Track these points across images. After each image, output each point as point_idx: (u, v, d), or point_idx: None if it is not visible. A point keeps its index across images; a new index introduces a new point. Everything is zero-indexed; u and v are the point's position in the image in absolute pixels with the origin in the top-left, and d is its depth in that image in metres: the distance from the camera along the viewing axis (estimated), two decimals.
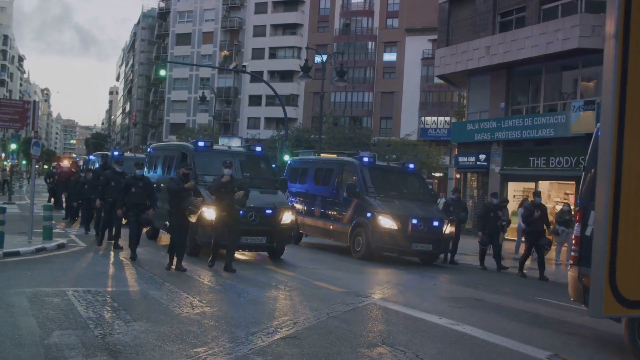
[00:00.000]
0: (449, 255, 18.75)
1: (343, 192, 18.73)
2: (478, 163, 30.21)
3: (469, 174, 32.40)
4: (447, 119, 61.85)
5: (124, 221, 15.71)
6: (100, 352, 6.70)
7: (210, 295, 10.73)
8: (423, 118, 66.33)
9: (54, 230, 17.36)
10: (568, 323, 10.66)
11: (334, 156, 24.87)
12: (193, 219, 13.53)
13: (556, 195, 28.72)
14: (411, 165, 20.25)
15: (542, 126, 26.30)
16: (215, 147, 17.97)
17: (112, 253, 15.46)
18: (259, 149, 18.02)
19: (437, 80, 45.02)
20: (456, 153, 34.20)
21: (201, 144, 17.22)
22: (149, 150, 22.03)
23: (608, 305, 1.94)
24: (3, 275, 11.46)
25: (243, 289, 11.56)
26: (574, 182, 25.77)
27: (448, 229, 17.86)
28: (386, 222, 17.25)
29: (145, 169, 18.09)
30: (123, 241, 15.82)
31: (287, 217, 15.92)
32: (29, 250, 14.50)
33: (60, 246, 15.77)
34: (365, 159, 19.40)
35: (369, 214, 17.60)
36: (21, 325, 7.67)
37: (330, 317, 9.41)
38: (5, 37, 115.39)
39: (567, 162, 25.52)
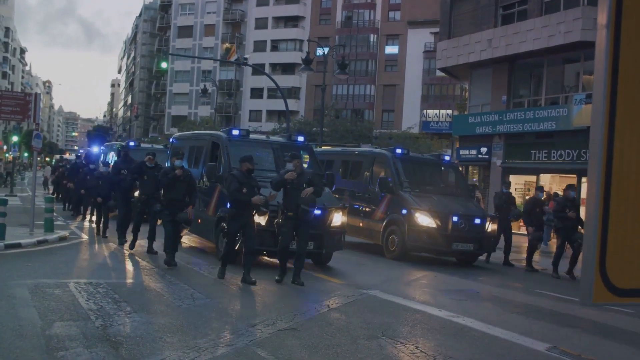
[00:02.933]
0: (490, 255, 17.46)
1: (375, 187, 17.40)
2: (479, 156, 30.21)
3: (470, 167, 32.40)
4: (449, 112, 61.84)
5: (156, 221, 14.17)
6: (101, 343, 6.73)
7: (211, 288, 10.74)
8: (425, 111, 66.32)
9: (55, 223, 17.40)
10: (568, 316, 10.67)
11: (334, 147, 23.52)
12: (263, 220, 12.01)
13: (558, 189, 28.70)
14: (447, 157, 18.96)
15: (544, 119, 26.29)
16: (251, 136, 15.78)
17: (113, 245, 15.47)
18: (301, 138, 15.88)
19: (439, 73, 45.00)
20: (458, 146, 34.22)
21: (235, 132, 15.03)
22: (171, 140, 19.49)
23: (598, 293, 1.96)
24: (4, 266, 11.49)
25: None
26: (575, 175, 25.79)
27: (490, 226, 16.64)
28: (424, 219, 15.95)
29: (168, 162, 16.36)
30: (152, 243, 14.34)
31: (337, 219, 13.86)
32: (30, 242, 14.53)
33: (62, 238, 15.81)
34: (398, 150, 17.79)
35: (404, 211, 16.25)
36: (22, 317, 7.70)
37: (330, 309, 9.44)
38: (7, 29, 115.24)
39: (569, 155, 25.52)
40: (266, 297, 10.23)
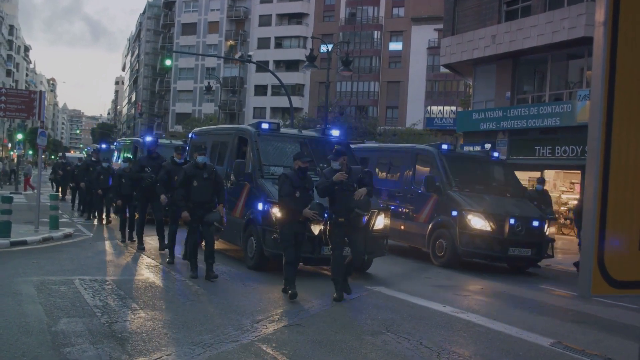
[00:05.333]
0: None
1: (418, 186, 16.11)
2: None
3: None
4: (453, 108, 61.75)
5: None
6: (107, 340, 6.77)
7: (215, 285, 10.77)
8: (429, 107, 66.24)
9: (60, 220, 17.45)
10: (572, 311, 10.69)
11: None
12: (316, 230, 10.15)
13: (561, 185, 28.74)
14: (496, 154, 17.52)
15: (548, 115, 26.25)
16: (282, 130, 14.36)
17: (118, 242, 15.50)
18: (336, 133, 14.47)
19: (442, 70, 45.02)
20: (462, 142, 34.18)
21: (265, 125, 13.63)
22: (190, 135, 17.97)
23: (597, 285, 1.99)
24: (10, 264, 11.55)
25: (249, 278, 11.62)
26: (579, 172, 25.77)
27: (549, 229, 15.32)
28: (477, 222, 14.57)
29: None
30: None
31: (380, 222, 12.62)
32: (35, 240, 14.59)
33: (67, 235, 15.88)
34: (444, 146, 16.51)
35: (454, 213, 14.84)
36: (29, 313, 7.75)
37: (335, 305, 9.46)
38: (11, 27, 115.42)
39: (573, 151, 25.49)
40: (271, 294, 10.25)
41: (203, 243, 11.44)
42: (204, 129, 18.95)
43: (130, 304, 8.63)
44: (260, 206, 12.15)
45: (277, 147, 13.37)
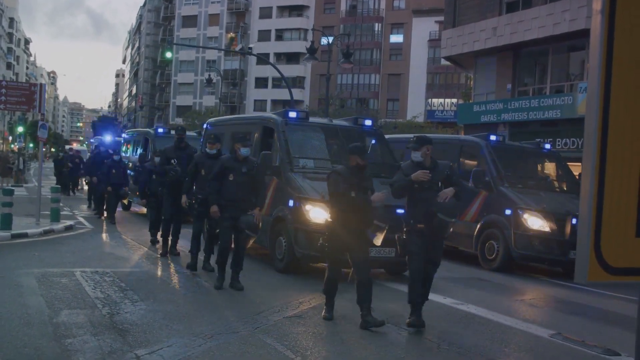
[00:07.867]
0: None
1: (465, 181, 13.89)
2: None
3: None
4: (454, 100, 61.74)
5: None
6: (108, 331, 6.79)
7: (216, 276, 10.77)
8: (430, 100, 66.22)
9: (61, 213, 17.47)
10: (573, 303, 10.71)
11: None
12: (378, 240, 8.05)
13: None
14: (547, 146, 16.02)
15: (549, 107, 26.24)
16: (311, 119, 13.04)
17: (120, 235, 15.52)
18: (369, 123, 13.14)
19: (443, 62, 44.98)
20: (462, 135, 34.19)
21: (293, 114, 12.31)
22: (205, 125, 16.48)
23: (593, 272, 2.01)
24: (12, 256, 11.57)
25: (249, 270, 11.62)
26: (580, 164, 25.73)
27: None
28: (535, 222, 13.19)
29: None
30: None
31: None
32: (36, 232, 14.60)
33: (68, 228, 15.89)
34: (493, 137, 15.15)
35: (508, 211, 13.46)
36: (30, 305, 7.77)
37: (335, 297, 9.46)
38: (11, 19, 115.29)
39: (574, 144, 25.47)
40: (272, 286, 10.27)
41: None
42: (220, 119, 17.72)
43: (131, 296, 8.65)
44: (291, 203, 11.14)
45: (306, 138, 12.38)
